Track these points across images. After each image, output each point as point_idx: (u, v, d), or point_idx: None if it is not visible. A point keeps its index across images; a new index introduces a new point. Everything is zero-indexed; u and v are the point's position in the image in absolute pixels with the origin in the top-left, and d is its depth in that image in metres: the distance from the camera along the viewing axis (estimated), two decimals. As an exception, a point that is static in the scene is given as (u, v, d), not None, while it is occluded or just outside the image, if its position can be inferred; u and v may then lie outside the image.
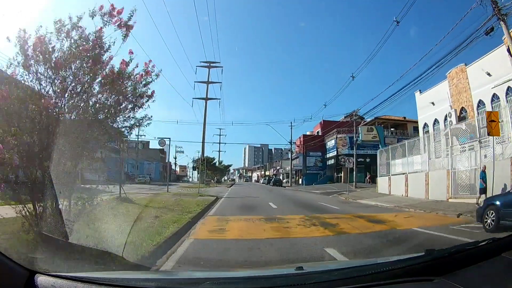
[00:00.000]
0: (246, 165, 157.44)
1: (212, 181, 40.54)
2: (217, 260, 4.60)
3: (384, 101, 27.33)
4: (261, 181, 65.99)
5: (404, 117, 47.31)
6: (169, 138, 18.91)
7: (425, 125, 24.92)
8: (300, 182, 46.90)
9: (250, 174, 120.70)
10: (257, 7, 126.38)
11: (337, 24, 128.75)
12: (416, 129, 48.35)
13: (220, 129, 67.56)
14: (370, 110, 34.21)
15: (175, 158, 64.29)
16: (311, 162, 43.91)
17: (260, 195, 19.46)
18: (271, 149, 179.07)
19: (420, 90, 25.51)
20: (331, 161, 40.88)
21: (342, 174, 38.81)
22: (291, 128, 42.39)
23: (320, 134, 45.28)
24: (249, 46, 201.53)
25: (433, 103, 24.22)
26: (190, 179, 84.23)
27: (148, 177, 43.78)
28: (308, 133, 48.86)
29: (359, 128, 32.07)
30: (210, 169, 41.66)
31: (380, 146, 31.58)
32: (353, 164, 23.32)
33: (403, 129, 45.10)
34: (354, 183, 25.48)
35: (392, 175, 20.31)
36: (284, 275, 1.92)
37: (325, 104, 34.00)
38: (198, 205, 10.70)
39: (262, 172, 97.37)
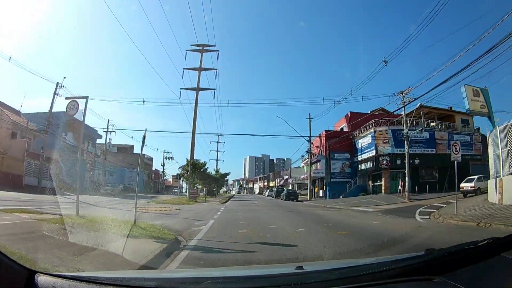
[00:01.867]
0: (247, 176, 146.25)
1: (202, 193, 28.62)
2: None
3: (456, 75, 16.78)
4: (266, 193, 54.46)
5: (451, 107, 37.31)
6: (87, 97, 8.21)
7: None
8: (321, 194, 35.92)
9: (251, 186, 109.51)
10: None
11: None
12: (464, 121, 38.34)
13: (218, 135, 58.59)
14: (421, 96, 23.47)
15: (163, 165, 53.33)
16: (337, 167, 32.76)
17: (291, 231, 7.88)
18: (273, 159, 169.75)
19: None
20: (366, 165, 30.09)
21: (383, 182, 27.98)
22: (310, 121, 31.76)
23: (346, 130, 34.62)
24: (251, 27, 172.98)
25: None
26: (184, 190, 74.00)
27: (120, 187, 33.00)
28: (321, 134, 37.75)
29: (462, 89, 21.52)
30: (201, 177, 30.89)
31: (490, 123, 21.00)
32: (460, 156, 12.63)
33: (449, 122, 34.70)
34: (452, 190, 14.82)
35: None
36: (284, 274, 1.86)
37: (385, 60, 22.65)
38: None
39: (265, 183, 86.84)
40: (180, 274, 2.42)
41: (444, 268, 1.51)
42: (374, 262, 2.01)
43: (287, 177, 53.71)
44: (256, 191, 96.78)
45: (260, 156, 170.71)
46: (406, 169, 24.32)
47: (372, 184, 30.35)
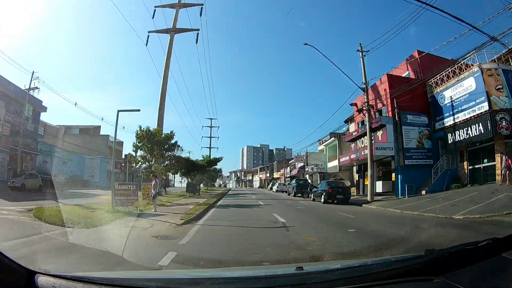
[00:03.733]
0: (245, 167, 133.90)
1: (153, 192, 12.48)
2: None
3: None
4: (274, 188, 41.77)
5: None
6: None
7: None
8: (380, 187, 21.70)
9: (250, 178, 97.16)
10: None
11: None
12: None
13: (211, 119, 50.53)
14: None
15: (135, 151, 39.90)
16: (412, 140, 19.03)
17: None
18: (272, 150, 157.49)
19: None
20: (469, 131, 16.60)
21: (497, 162, 15.48)
22: (362, 55, 18.09)
23: (412, 77, 21.56)
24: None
25: None
26: (178, 184, 61.87)
27: (41, 180, 20.53)
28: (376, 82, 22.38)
29: None
30: (175, 162, 18.27)
31: None
32: None
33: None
34: None
35: None
36: (284, 275, 1.84)
37: None
38: None
39: (267, 175, 74.62)
40: (180, 274, 2.40)
41: (444, 268, 1.47)
42: (374, 262, 1.96)
43: (301, 164, 40.67)
44: (256, 183, 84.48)
45: (259, 146, 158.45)
46: None
47: (470, 166, 17.86)
